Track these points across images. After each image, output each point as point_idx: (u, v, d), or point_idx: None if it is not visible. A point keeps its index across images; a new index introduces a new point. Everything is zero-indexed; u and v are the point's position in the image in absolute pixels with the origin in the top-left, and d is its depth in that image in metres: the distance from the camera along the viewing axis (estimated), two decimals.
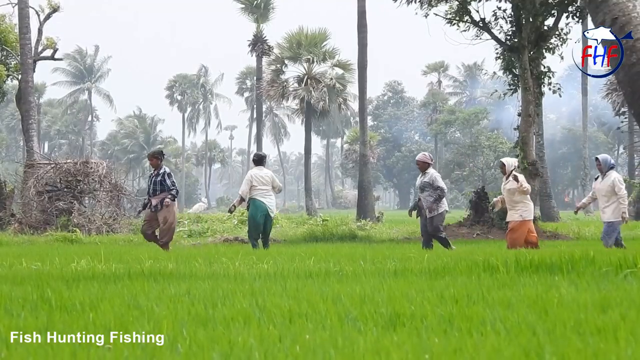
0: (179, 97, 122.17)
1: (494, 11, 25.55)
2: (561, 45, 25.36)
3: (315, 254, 12.32)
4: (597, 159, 15.24)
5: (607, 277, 7.41)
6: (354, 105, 68.91)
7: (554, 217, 41.93)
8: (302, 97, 56.41)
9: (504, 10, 25.37)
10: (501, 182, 16.19)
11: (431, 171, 16.10)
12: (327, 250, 14.56)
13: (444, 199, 15.89)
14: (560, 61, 26.48)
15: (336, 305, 5.89)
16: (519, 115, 25.18)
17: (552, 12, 24.67)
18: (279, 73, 57.89)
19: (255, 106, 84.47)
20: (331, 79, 57.01)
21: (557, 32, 25.05)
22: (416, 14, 26.56)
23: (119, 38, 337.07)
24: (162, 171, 16.01)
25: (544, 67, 25.16)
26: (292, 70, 58.26)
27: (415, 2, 26.04)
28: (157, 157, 16.25)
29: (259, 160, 16.94)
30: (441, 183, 15.95)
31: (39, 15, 39.28)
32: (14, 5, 36.81)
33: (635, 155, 56.06)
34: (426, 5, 25.98)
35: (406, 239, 24.17)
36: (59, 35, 40.37)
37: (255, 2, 65.92)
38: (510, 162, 15.80)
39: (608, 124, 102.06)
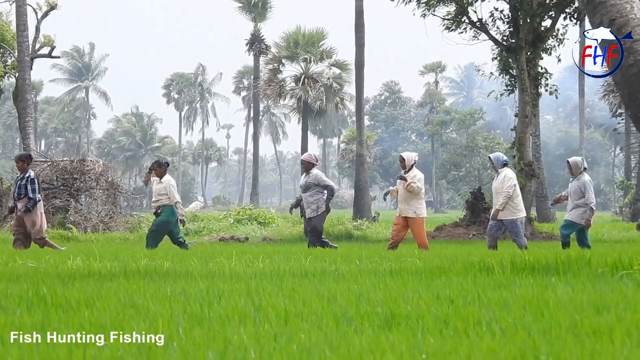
0: (175, 96, 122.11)
1: (491, 12, 25.57)
2: (558, 46, 25.38)
3: (311, 254, 12.32)
4: (489, 157, 15.46)
5: (603, 279, 7.42)
6: (351, 105, 68.89)
7: (550, 218, 41.98)
8: (299, 97, 56.38)
9: (502, 11, 25.39)
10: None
11: (315, 171, 16.01)
12: (323, 249, 14.55)
13: (323, 201, 15.70)
14: (557, 63, 26.53)
15: (332, 304, 5.89)
16: (516, 115, 25.20)
17: (550, 13, 24.69)
18: (276, 72, 57.86)
19: (252, 105, 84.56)
20: (328, 78, 56.98)
21: (554, 33, 25.07)
22: (414, 14, 26.57)
23: (116, 36, 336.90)
24: (26, 175, 15.98)
25: (541, 68, 25.18)
26: (290, 70, 58.27)
27: (412, 2, 26.04)
28: (23, 161, 16.24)
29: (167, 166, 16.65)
30: (328, 181, 15.89)
31: (36, 13, 39.28)
32: (11, 2, 36.81)
33: (631, 157, 56.08)
34: (424, 7, 25.97)
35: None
36: (57, 33, 40.40)
37: (253, 1, 65.92)
38: (410, 156, 15.69)
39: (605, 125, 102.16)
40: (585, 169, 15.13)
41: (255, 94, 65.51)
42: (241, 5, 66.44)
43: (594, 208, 14.87)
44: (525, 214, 15.15)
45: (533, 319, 5.18)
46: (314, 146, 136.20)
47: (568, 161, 15.45)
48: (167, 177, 16.05)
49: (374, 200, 69.61)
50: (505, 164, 15.14)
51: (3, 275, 8.48)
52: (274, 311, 5.60)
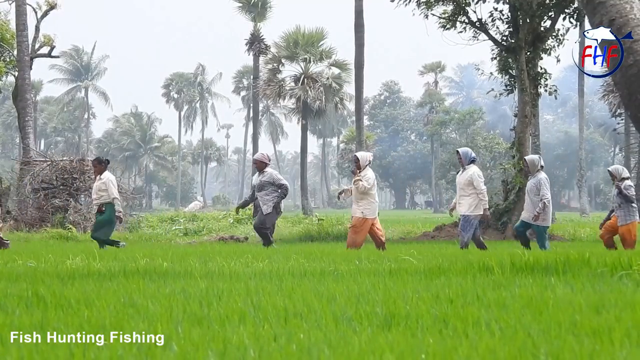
0: (175, 96, 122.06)
1: (490, 12, 25.56)
2: (558, 46, 25.37)
3: (311, 253, 12.32)
4: (457, 152, 15.44)
5: (602, 279, 7.42)
6: (351, 105, 68.91)
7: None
8: (299, 97, 56.40)
9: (501, 11, 25.39)
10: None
11: (269, 170, 16.15)
12: (323, 249, 14.55)
13: (278, 199, 15.79)
14: (556, 63, 26.51)
15: (331, 304, 5.89)
16: (515, 116, 25.19)
17: (550, 13, 24.68)
18: (276, 72, 57.87)
19: (251, 105, 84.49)
20: (328, 78, 57.00)
21: (554, 34, 25.06)
22: (413, 14, 26.57)
23: (116, 36, 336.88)
24: None
25: (541, 68, 25.17)
26: (289, 70, 58.30)
27: (412, 2, 26.03)
28: None
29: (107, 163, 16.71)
30: (283, 180, 16.03)
31: (36, 13, 39.26)
32: (10, 2, 36.80)
33: (631, 157, 56.06)
34: (424, 6, 25.97)
35: (401, 239, 24.17)
36: (56, 32, 40.39)
37: (253, 1, 65.91)
38: (365, 156, 15.67)
39: (604, 125, 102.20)
40: (542, 167, 15.19)
41: (255, 94, 65.48)
42: (241, 5, 66.42)
43: (547, 204, 14.87)
44: (481, 213, 15.14)
45: (532, 319, 5.18)
46: (314, 146, 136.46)
47: (525, 159, 15.54)
48: (107, 174, 16.15)
49: None
50: (473, 161, 15.20)
51: (2, 275, 8.48)
52: (273, 311, 5.60)
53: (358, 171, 15.41)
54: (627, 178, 15.61)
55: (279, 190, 15.75)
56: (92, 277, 8.18)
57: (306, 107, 56.70)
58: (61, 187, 28.40)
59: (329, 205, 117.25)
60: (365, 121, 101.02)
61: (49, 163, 29.31)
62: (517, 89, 24.74)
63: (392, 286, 7.06)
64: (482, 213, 14.91)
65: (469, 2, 25.37)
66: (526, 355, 4.07)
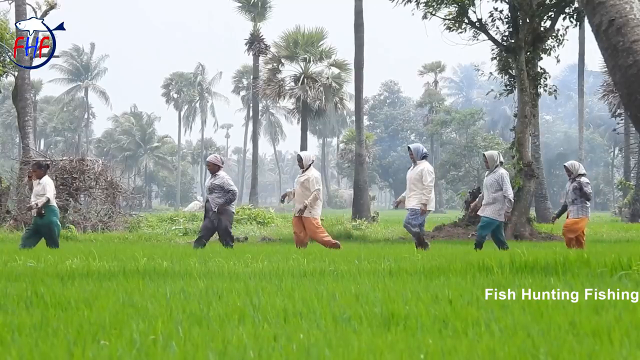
0: (175, 95, 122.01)
1: (490, 12, 25.57)
2: (558, 46, 25.39)
3: (310, 253, 12.32)
4: (409, 147, 15.57)
5: (602, 279, 7.42)
6: (350, 105, 68.81)
7: (549, 218, 41.93)
8: (299, 97, 56.35)
9: (501, 11, 25.40)
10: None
11: (222, 174, 15.93)
12: (322, 249, 14.55)
13: (230, 201, 15.70)
14: (556, 63, 26.52)
15: (331, 304, 5.89)
16: (515, 116, 25.20)
17: (549, 13, 24.69)
18: (276, 72, 57.82)
19: (251, 105, 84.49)
20: (327, 78, 56.95)
21: (554, 34, 25.07)
22: (412, 14, 26.58)
23: (116, 36, 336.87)
24: None
25: (540, 69, 25.18)
26: (289, 69, 58.23)
27: (411, 2, 26.03)
28: None
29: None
30: (233, 186, 15.85)
31: (35, 12, 39.22)
32: (10, 2, 36.78)
33: (631, 157, 56.07)
34: (423, 7, 25.98)
35: (401, 238, 24.15)
36: (56, 32, 40.28)
37: (253, 0, 65.89)
38: (308, 156, 15.90)
39: (604, 125, 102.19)
40: (501, 162, 15.21)
41: (255, 94, 65.48)
42: (241, 5, 66.41)
43: (512, 200, 14.89)
44: (433, 209, 15.26)
45: (532, 319, 5.18)
46: (314, 146, 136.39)
47: (484, 154, 15.57)
48: (46, 178, 15.99)
49: (373, 200, 69.57)
50: (424, 157, 15.30)
51: (2, 275, 8.48)
52: (273, 311, 5.60)
53: (302, 171, 15.60)
54: (584, 175, 15.65)
55: (227, 195, 15.63)
56: (91, 277, 8.18)
57: (306, 107, 56.66)
58: (61, 187, 28.37)
59: (329, 205, 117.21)
60: (365, 121, 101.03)
61: (48, 163, 29.29)
62: (517, 89, 24.75)
63: (392, 286, 7.06)
64: (432, 210, 15.14)
65: (472, 2, 25.35)
66: (526, 355, 4.08)
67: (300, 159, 15.79)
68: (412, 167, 15.38)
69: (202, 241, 15.74)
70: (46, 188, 15.69)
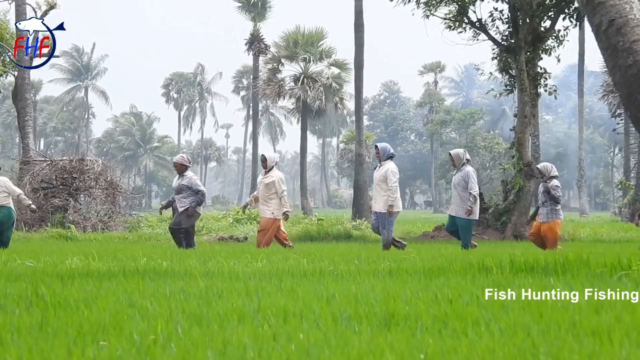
0: (175, 95, 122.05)
1: (490, 12, 25.57)
2: (558, 46, 25.39)
3: (310, 253, 12.32)
4: (376, 146, 15.46)
5: (601, 279, 7.42)
6: (350, 105, 68.84)
7: None
8: (299, 96, 56.36)
9: (501, 11, 25.39)
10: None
11: (189, 174, 15.90)
12: (322, 249, 14.55)
13: (196, 203, 15.64)
14: (557, 63, 26.52)
15: (331, 304, 5.89)
16: (515, 116, 25.20)
17: (549, 13, 24.68)
18: (276, 72, 57.83)
19: (251, 105, 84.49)
20: (327, 78, 56.97)
21: (553, 34, 25.07)
22: (412, 14, 26.58)
23: (116, 36, 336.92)
24: None
25: (541, 68, 25.18)
26: (289, 69, 58.25)
27: (411, 1, 26.03)
28: None
29: None
30: (201, 186, 15.80)
31: (35, 12, 39.24)
32: (10, 2, 36.80)
33: (630, 157, 56.08)
34: (423, 7, 25.97)
35: (401, 238, 24.12)
36: (56, 32, 40.29)
37: (253, 1, 65.90)
38: (272, 156, 15.94)
39: (604, 125, 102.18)
40: (468, 160, 15.18)
41: (255, 94, 65.47)
42: (241, 4, 66.41)
43: (477, 196, 14.89)
44: (400, 210, 15.20)
45: (531, 319, 5.18)
46: (313, 146, 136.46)
47: (450, 153, 15.59)
48: (3, 178, 16.30)
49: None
50: (391, 157, 15.24)
51: (2, 275, 8.48)
52: (272, 311, 5.59)
53: (264, 171, 15.74)
54: (556, 177, 15.64)
55: (197, 196, 15.58)
56: (91, 277, 8.17)
57: (306, 107, 56.67)
58: (61, 186, 28.40)
59: (329, 205, 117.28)
60: (365, 121, 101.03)
61: (48, 163, 29.31)
62: (516, 89, 24.74)
63: (392, 286, 7.06)
64: (400, 210, 15.10)
65: (472, 1, 25.33)
66: (525, 355, 4.08)
67: (264, 160, 15.83)
68: (378, 167, 15.33)
69: (182, 242, 15.69)
70: (7, 186, 16.26)
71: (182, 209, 15.53)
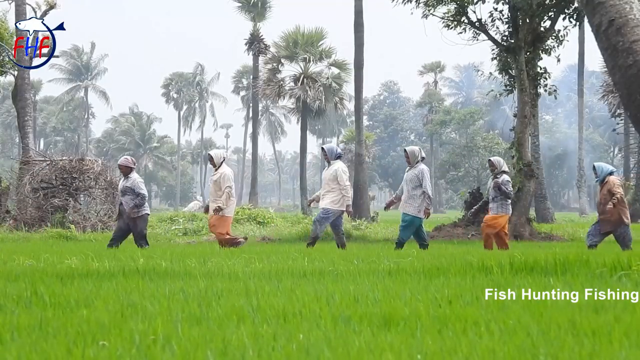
0: (175, 95, 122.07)
1: (490, 12, 25.56)
2: (558, 46, 25.38)
3: (310, 253, 12.32)
4: (322, 148, 15.69)
5: (601, 279, 7.42)
6: (350, 105, 68.94)
7: (549, 218, 41.96)
8: (298, 96, 56.35)
9: (501, 11, 25.38)
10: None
11: (134, 176, 15.91)
12: (322, 249, 14.55)
13: (146, 203, 15.64)
14: (557, 63, 26.51)
15: (330, 304, 5.89)
16: (515, 116, 25.19)
17: (549, 13, 24.67)
18: (275, 72, 57.83)
19: (251, 105, 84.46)
20: (327, 78, 56.97)
21: (553, 34, 25.06)
22: (412, 13, 26.63)
23: (116, 36, 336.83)
24: None
25: (540, 68, 25.17)
26: (289, 69, 58.23)
27: (411, 1, 26.03)
28: None
29: None
30: (143, 189, 15.72)
31: (35, 12, 39.25)
32: (10, 2, 36.81)
33: (630, 157, 56.08)
34: (423, 6, 25.97)
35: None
36: (56, 32, 40.29)
37: (252, 0, 65.88)
38: (218, 153, 16.26)
39: (604, 125, 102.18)
40: (423, 158, 15.20)
41: (255, 94, 65.44)
42: (240, 4, 66.39)
43: (431, 197, 14.89)
44: (343, 210, 15.32)
45: (531, 319, 5.18)
46: (313, 146, 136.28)
47: (405, 149, 15.58)
48: None
49: (373, 200, 69.58)
50: (338, 157, 15.46)
51: (1, 275, 8.47)
52: (272, 311, 5.59)
53: (215, 169, 15.90)
54: (506, 172, 15.63)
55: (137, 199, 15.55)
56: (91, 277, 8.17)
57: (306, 106, 56.67)
58: (60, 186, 28.38)
59: None
60: (365, 121, 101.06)
61: (48, 163, 29.29)
62: (516, 89, 24.74)
63: (391, 286, 7.06)
64: (344, 209, 15.22)
65: (471, 1, 25.32)
66: (525, 355, 4.08)
67: (211, 158, 16.08)
68: (326, 167, 15.61)
69: (116, 243, 15.66)
70: None
71: (129, 212, 15.44)
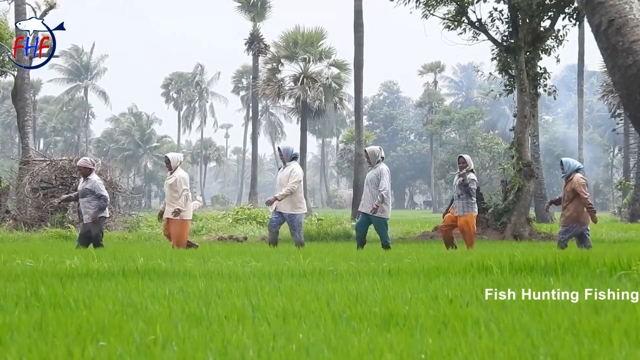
0: (174, 95, 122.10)
1: (490, 12, 25.56)
2: (557, 46, 25.38)
3: (310, 253, 12.31)
4: (279, 149, 15.68)
5: (601, 279, 7.41)
6: (350, 105, 68.92)
7: (548, 218, 41.94)
8: (298, 97, 56.37)
9: (501, 11, 25.39)
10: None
11: (93, 177, 15.58)
12: (322, 249, 14.54)
13: (100, 208, 15.37)
14: (557, 63, 26.51)
15: (330, 304, 5.89)
16: (515, 116, 25.20)
17: (549, 13, 24.68)
18: (275, 72, 57.84)
19: (251, 105, 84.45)
20: (327, 78, 56.99)
21: (553, 34, 25.07)
22: (411, 13, 26.60)
23: (116, 36, 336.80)
24: None
25: (540, 68, 25.18)
26: (289, 69, 58.27)
27: (412, 1, 26.03)
28: None
29: None
30: (104, 192, 15.46)
31: (35, 12, 39.26)
32: (10, 2, 36.82)
33: (630, 157, 56.08)
34: (423, 6, 25.97)
35: (401, 239, 24.16)
36: (56, 32, 40.29)
37: (252, 0, 65.88)
38: (176, 157, 16.07)
39: (604, 125, 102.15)
40: (382, 158, 15.21)
41: (254, 94, 65.45)
42: (240, 4, 66.39)
43: (385, 196, 14.91)
44: (305, 211, 15.46)
45: (531, 319, 5.18)
46: (313, 146, 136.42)
47: (365, 150, 15.64)
48: None
49: None
50: (294, 157, 15.43)
51: (1, 275, 8.47)
52: (272, 311, 5.59)
53: (170, 172, 15.78)
54: (472, 171, 15.61)
55: (99, 200, 15.42)
56: (91, 277, 8.17)
57: (305, 107, 56.68)
58: (60, 186, 28.38)
59: (328, 205, 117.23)
60: (365, 121, 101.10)
61: (48, 163, 29.30)
62: (516, 89, 24.75)
63: (391, 286, 7.06)
64: (306, 210, 15.35)
65: (471, 1, 25.32)
66: (525, 355, 4.08)
67: (168, 161, 15.93)
68: (282, 168, 15.47)
69: (87, 244, 15.59)
70: None
71: (86, 215, 15.29)
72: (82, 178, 15.75)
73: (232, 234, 24.91)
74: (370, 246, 16.04)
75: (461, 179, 15.31)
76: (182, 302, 6.06)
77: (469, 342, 4.39)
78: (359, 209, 15.36)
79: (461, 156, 15.73)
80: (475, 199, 15.51)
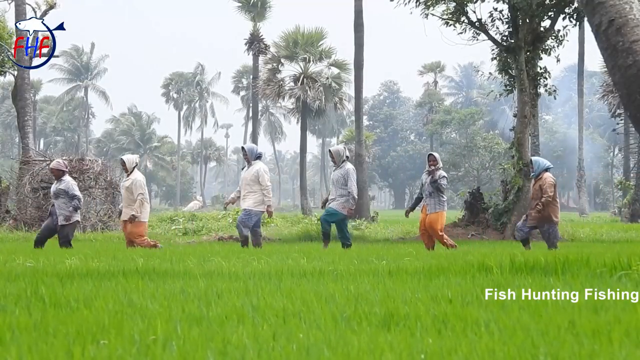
0: (175, 95, 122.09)
1: (490, 12, 25.56)
2: (558, 46, 25.37)
3: (310, 253, 12.32)
4: (242, 148, 15.71)
5: (601, 279, 7.41)
6: (350, 105, 68.87)
7: None
8: (298, 96, 56.33)
9: (501, 11, 25.38)
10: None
11: (67, 178, 15.62)
12: (322, 249, 14.54)
13: (74, 210, 15.41)
14: (557, 63, 26.51)
15: (330, 304, 5.89)
16: (515, 116, 25.19)
17: (549, 13, 24.67)
18: (275, 72, 57.80)
19: (251, 105, 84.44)
20: (327, 78, 56.94)
21: (553, 34, 25.06)
22: (411, 13, 26.60)
23: (116, 36, 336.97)
24: None
25: (540, 68, 25.17)
26: (289, 69, 58.21)
27: (412, 1, 26.02)
28: None
29: None
30: (77, 192, 15.51)
31: (35, 12, 39.27)
32: (10, 2, 36.82)
33: (630, 157, 56.07)
34: (422, 6, 25.97)
35: (401, 238, 24.17)
36: (56, 32, 40.29)
37: (252, 0, 65.86)
38: (131, 159, 16.05)
39: (604, 125, 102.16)
40: (347, 157, 15.20)
41: (254, 94, 65.41)
42: (240, 4, 66.37)
43: (355, 197, 14.91)
44: (264, 210, 15.31)
45: (531, 319, 5.18)
46: (313, 146, 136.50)
47: (330, 150, 15.63)
48: None
49: (373, 200, 69.57)
50: (258, 157, 15.49)
51: (1, 275, 8.47)
52: (272, 311, 5.59)
53: (126, 174, 15.82)
54: (441, 168, 15.59)
55: (72, 202, 15.42)
56: (91, 277, 8.17)
57: (305, 107, 56.65)
58: None
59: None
60: (365, 121, 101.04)
61: (48, 162, 29.28)
62: (516, 89, 24.74)
63: (391, 286, 7.06)
64: (264, 210, 15.22)
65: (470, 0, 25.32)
66: (525, 355, 4.08)
67: (123, 163, 15.95)
68: (246, 168, 15.49)
69: (42, 241, 15.63)
70: None
71: (60, 217, 15.33)
72: (55, 180, 15.80)
73: (232, 234, 24.91)
74: (370, 246, 16.04)
75: (430, 176, 15.23)
76: (183, 302, 6.06)
77: (469, 342, 4.39)
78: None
79: (431, 154, 15.64)
80: (445, 197, 15.45)
